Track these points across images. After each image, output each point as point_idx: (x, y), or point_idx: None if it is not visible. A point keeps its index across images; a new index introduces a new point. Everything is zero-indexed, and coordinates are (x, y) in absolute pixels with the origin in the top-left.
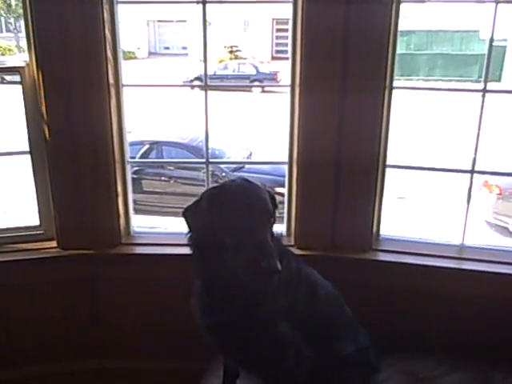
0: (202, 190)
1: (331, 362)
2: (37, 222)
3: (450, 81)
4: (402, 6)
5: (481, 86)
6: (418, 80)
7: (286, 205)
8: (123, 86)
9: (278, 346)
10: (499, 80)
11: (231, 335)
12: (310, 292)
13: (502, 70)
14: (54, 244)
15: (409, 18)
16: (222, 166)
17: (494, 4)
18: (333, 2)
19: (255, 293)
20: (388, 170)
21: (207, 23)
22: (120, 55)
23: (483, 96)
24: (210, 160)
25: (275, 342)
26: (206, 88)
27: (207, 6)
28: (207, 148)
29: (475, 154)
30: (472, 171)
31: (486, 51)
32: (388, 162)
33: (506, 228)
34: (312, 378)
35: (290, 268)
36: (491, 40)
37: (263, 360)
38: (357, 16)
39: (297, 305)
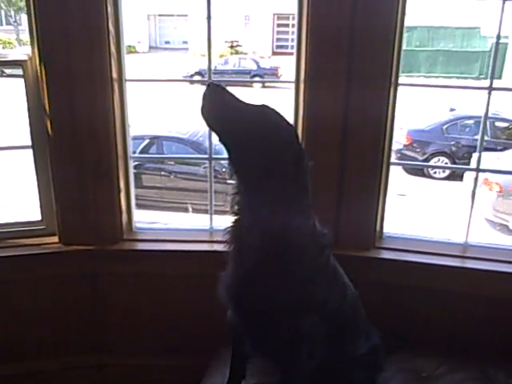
0: (202, 185)
1: (343, 361)
2: (38, 217)
3: (451, 77)
4: (409, 2)
5: (481, 82)
6: (418, 76)
7: None
8: (126, 80)
9: (297, 333)
10: (500, 77)
11: (256, 303)
12: (342, 292)
13: (503, 67)
14: (55, 239)
15: (410, 14)
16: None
17: (500, 1)
18: None
19: (293, 249)
20: (392, 168)
21: (207, 17)
22: (123, 49)
23: (489, 93)
24: (213, 156)
25: (296, 330)
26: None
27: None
28: (210, 144)
29: (480, 151)
30: (477, 169)
31: (488, 48)
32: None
33: (506, 226)
34: (320, 375)
35: (329, 264)
36: (498, 37)
37: (279, 346)
38: (363, 11)
39: (329, 300)
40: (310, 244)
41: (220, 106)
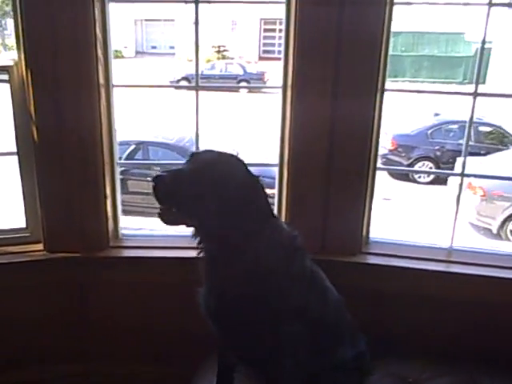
0: None
1: (329, 367)
2: (23, 225)
3: (436, 82)
4: (395, 8)
5: (466, 87)
6: (404, 81)
7: (275, 207)
8: (113, 86)
9: (279, 343)
10: (484, 82)
11: (235, 321)
12: (322, 296)
13: (486, 72)
14: (40, 247)
15: (395, 19)
16: None
17: (486, 6)
18: (327, 3)
19: (264, 272)
20: (378, 173)
21: (194, 22)
22: (110, 55)
23: (474, 99)
24: None
25: (277, 340)
26: (197, 89)
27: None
28: (197, 149)
29: (465, 156)
30: (462, 174)
31: (472, 53)
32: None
33: (490, 230)
34: (308, 381)
35: (305, 268)
36: (483, 42)
37: (263, 356)
38: (350, 18)
39: (309, 307)
40: (281, 254)
41: (174, 189)
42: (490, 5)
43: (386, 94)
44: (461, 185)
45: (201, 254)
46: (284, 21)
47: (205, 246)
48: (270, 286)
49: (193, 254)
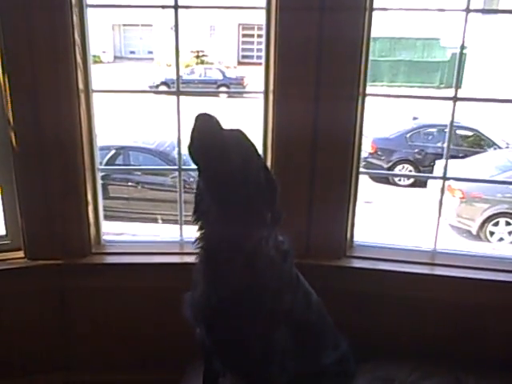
0: (170, 195)
1: (313, 370)
2: (3, 232)
3: (413, 87)
4: (375, 14)
5: (442, 91)
6: (382, 86)
7: None
8: (93, 91)
9: (270, 347)
10: (460, 87)
11: (228, 323)
12: (306, 298)
13: (462, 76)
14: (21, 254)
15: (373, 25)
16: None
17: (463, 13)
18: (307, 9)
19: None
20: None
21: (173, 28)
22: (89, 60)
23: (454, 103)
24: (182, 167)
25: (268, 344)
26: (177, 94)
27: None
28: (180, 155)
29: (446, 159)
30: (444, 177)
31: (448, 58)
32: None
33: (469, 231)
34: None
35: (292, 271)
36: (462, 47)
37: (251, 362)
38: (331, 23)
39: (295, 310)
40: (276, 254)
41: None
42: (468, 11)
43: (367, 98)
44: (442, 188)
45: (199, 254)
46: (264, 26)
47: (206, 244)
48: (267, 287)
49: (176, 259)
